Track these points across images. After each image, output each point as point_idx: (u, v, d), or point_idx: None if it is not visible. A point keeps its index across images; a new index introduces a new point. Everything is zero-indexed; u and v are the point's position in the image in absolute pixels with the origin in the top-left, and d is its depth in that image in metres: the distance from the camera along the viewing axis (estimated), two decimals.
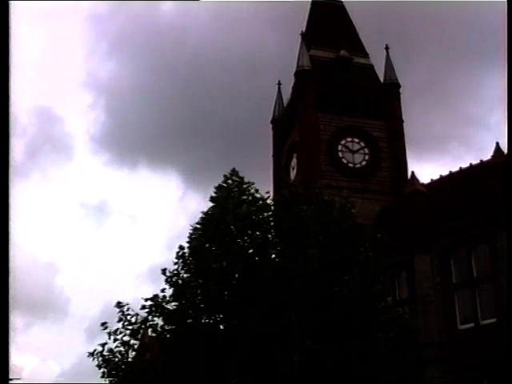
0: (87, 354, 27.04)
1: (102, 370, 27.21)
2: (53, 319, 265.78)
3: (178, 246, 27.07)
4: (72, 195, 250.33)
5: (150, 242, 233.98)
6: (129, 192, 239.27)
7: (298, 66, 49.04)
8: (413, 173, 39.85)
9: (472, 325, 33.50)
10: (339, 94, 48.31)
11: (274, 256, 26.59)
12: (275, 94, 55.51)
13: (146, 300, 26.41)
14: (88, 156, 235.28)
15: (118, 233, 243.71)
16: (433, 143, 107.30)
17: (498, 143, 35.42)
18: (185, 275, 26.79)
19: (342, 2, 55.69)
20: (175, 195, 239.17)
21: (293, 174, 47.95)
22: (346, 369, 24.26)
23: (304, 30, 51.87)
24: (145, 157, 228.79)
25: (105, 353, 27.05)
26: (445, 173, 39.66)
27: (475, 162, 38.35)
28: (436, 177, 39.77)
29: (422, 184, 38.84)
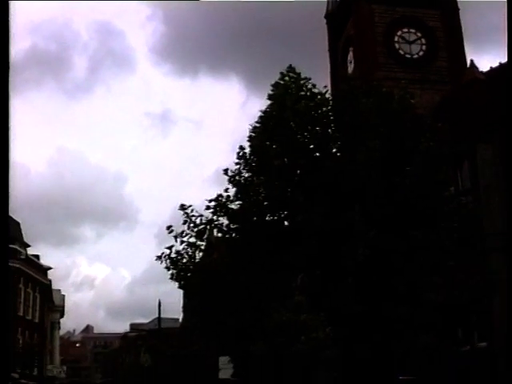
0: (155, 258, 27.68)
1: (170, 271, 27.87)
2: (123, 228, 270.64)
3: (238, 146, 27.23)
4: (136, 106, 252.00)
5: (214, 147, 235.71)
6: (192, 100, 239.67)
7: None
8: (472, 61, 38.94)
9: None
10: None
11: (334, 150, 26.57)
12: None
13: (210, 201, 26.73)
14: (149, 67, 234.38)
15: (184, 139, 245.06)
16: (491, 34, 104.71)
17: None
18: (246, 174, 26.96)
19: None
20: (238, 100, 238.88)
21: (350, 67, 47.42)
22: (410, 259, 24.39)
23: None
24: (205, 65, 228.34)
25: (172, 255, 27.64)
26: (504, 60, 38.67)
27: None
28: (495, 65, 38.83)
29: (482, 72, 37.97)
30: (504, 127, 26.62)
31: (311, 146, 26.46)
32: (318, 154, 26.38)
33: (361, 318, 24.19)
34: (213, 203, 26.68)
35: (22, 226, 70.44)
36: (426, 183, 24.28)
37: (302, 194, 24.48)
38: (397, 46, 45.44)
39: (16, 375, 28.41)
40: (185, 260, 27.61)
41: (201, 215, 27.30)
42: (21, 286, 60.76)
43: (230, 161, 27.27)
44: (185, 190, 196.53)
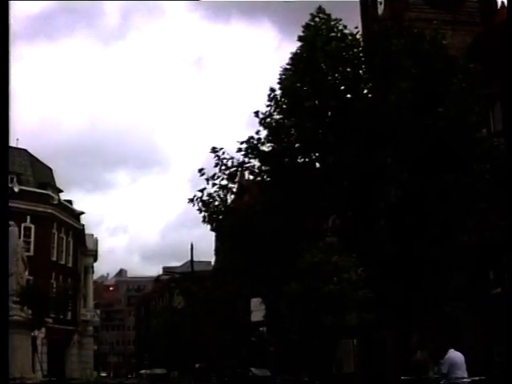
0: (188, 201, 27.89)
1: (202, 214, 28.09)
2: (157, 173, 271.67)
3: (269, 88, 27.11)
4: (169, 52, 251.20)
5: (247, 92, 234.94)
6: (225, 45, 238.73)
7: None
8: (503, 2, 38.38)
9: None
10: None
11: (366, 92, 26.37)
12: None
13: (242, 143, 26.75)
14: (182, 13, 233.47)
15: (216, 84, 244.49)
16: None
17: None
18: (278, 116, 26.91)
19: None
20: (271, 45, 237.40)
21: (380, 8, 46.68)
22: (442, 201, 24.36)
23: None
24: (238, 10, 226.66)
25: (204, 198, 27.84)
26: None
27: None
28: None
29: None
30: None
31: (342, 88, 26.32)
32: (349, 96, 26.25)
33: (393, 259, 24.30)
34: (244, 145, 26.72)
35: (54, 173, 71.11)
36: (458, 125, 24.09)
37: (334, 135, 24.44)
38: None
39: (50, 320, 28.95)
40: (216, 203, 27.81)
41: (232, 158, 27.40)
42: (54, 231, 61.33)
43: (262, 104, 27.18)
44: (217, 135, 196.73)
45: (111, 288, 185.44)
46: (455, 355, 19.54)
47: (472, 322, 29.90)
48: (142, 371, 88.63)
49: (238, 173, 27.94)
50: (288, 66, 26.81)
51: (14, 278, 25.09)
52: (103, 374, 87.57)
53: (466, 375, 19.42)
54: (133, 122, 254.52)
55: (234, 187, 28.74)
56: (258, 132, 26.76)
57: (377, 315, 19.78)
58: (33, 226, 58.36)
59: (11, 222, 38.25)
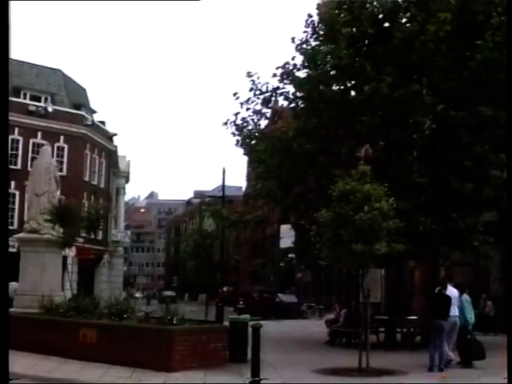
0: (221, 124, 27.92)
1: (235, 137, 28.09)
2: (192, 96, 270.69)
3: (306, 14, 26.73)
4: None
5: (286, 17, 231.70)
6: None
7: None
8: None
9: None
10: None
11: (404, 21, 25.87)
12: None
13: (277, 68, 26.52)
14: None
15: (253, 9, 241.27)
16: None
17: None
18: (314, 43, 26.57)
19: None
20: None
21: None
22: (477, 135, 24.10)
23: None
24: None
25: (238, 122, 27.80)
26: None
27: None
28: None
29: None
30: None
31: (380, 16, 25.90)
32: (387, 24, 25.82)
33: (425, 191, 24.22)
34: (279, 71, 26.48)
35: (89, 93, 71.28)
36: (496, 58, 23.61)
37: (371, 63, 24.09)
38: None
39: (81, 239, 29.29)
40: (250, 127, 27.79)
41: (267, 83, 27.24)
42: (87, 151, 61.65)
43: (299, 31, 26.85)
44: (252, 60, 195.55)
45: (142, 210, 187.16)
46: (450, 291, 19.80)
47: (500, 258, 29.92)
48: (151, 292, 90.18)
49: (273, 98, 27.78)
50: None
51: (46, 196, 25.27)
52: (137, 295, 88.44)
53: (456, 313, 19.65)
54: (171, 43, 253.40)
55: (268, 112, 28.69)
56: (293, 58, 26.50)
57: (406, 246, 19.77)
58: (66, 146, 58.78)
59: (44, 142, 38.50)
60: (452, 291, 19.86)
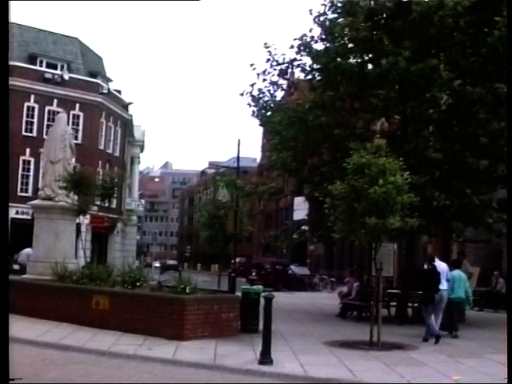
0: (238, 94, 27.85)
1: (251, 108, 28.04)
2: (208, 68, 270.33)
3: None
4: None
5: None
6: None
7: None
8: None
9: None
10: None
11: None
12: None
13: (294, 39, 26.38)
14: None
15: None
16: None
17: None
18: (331, 16, 26.38)
19: None
20: None
21: None
22: (494, 112, 23.97)
23: None
24: None
25: (254, 93, 27.73)
26: None
27: None
28: None
29: None
30: None
31: None
32: None
33: (440, 166, 24.15)
34: (297, 42, 26.34)
35: (104, 62, 71.20)
36: None
37: (388, 37, 23.91)
38: None
39: (95, 207, 29.34)
40: (266, 98, 27.71)
41: (283, 54, 27.11)
42: (102, 120, 61.71)
43: (317, 3, 26.68)
44: (270, 32, 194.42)
45: (156, 179, 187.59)
46: (438, 265, 20.02)
47: None
48: (156, 262, 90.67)
49: (289, 70, 27.66)
50: None
51: (61, 164, 25.34)
52: (157, 265, 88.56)
53: (444, 287, 19.84)
54: (189, 12, 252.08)
55: (284, 84, 28.61)
56: (310, 30, 26.31)
57: (420, 221, 19.78)
58: (81, 114, 58.88)
59: (60, 109, 38.49)
60: (440, 266, 20.09)
